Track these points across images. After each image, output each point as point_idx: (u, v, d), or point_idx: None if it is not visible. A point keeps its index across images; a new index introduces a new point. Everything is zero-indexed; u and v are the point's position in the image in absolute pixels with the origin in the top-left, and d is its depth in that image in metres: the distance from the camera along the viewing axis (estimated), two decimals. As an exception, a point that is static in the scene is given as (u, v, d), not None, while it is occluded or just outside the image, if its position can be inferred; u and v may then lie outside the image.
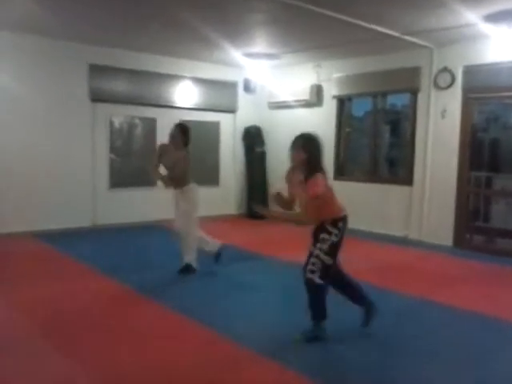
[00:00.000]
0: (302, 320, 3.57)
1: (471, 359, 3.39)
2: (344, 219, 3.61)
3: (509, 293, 4.98)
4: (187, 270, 5.17)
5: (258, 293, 4.68)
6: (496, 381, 3.07)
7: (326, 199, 3.52)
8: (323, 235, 3.47)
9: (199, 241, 5.26)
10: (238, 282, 5.06)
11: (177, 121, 8.49)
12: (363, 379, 3.03)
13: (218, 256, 5.42)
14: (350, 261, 6.06)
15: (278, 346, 3.49)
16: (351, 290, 3.77)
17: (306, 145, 3.52)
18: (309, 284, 3.48)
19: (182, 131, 5.20)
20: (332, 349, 3.50)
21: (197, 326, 3.81)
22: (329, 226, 3.49)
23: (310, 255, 3.49)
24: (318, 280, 3.45)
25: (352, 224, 7.89)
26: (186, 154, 5.26)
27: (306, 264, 3.49)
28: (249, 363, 3.23)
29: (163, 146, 5.42)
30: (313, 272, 3.45)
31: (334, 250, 3.51)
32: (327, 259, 3.47)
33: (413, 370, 3.18)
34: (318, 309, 3.54)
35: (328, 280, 3.54)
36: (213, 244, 5.38)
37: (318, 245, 3.47)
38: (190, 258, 5.18)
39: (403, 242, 7.29)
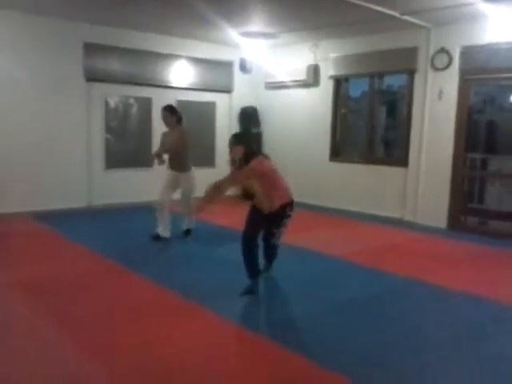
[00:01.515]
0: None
1: (461, 338, 3.45)
2: (290, 202, 4.16)
3: (501, 274, 5.04)
4: (189, 233, 6.01)
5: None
6: (485, 358, 3.12)
7: (275, 182, 4.07)
8: (286, 220, 4.10)
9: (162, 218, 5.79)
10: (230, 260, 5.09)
11: (172, 101, 8.56)
12: (351, 356, 3.07)
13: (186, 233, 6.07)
14: (343, 241, 6.20)
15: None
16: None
17: (240, 140, 4.15)
18: (276, 246, 4.34)
19: (169, 111, 5.72)
20: (318, 325, 3.56)
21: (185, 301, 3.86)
22: (289, 211, 4.11)
23: (274, 234, 4.15)
24: (278, 243, 4.34)
25: (347, 205, 8.15)
26: (183, 131, 5.70)
27: (271, 236, 4.19)
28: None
29: (164, 133, 5.94)
30: (277, 240, 4.26)
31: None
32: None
33: (400, 348, 3.23)
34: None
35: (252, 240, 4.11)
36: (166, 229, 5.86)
37: (282, 229, 4.14)
38: (191, 224, 6.02)
39: (398, 223, 7.33)
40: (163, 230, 5.79)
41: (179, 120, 5.77)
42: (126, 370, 2.85)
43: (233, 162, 4.21)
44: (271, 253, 4.43)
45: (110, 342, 3.20)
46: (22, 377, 2.76)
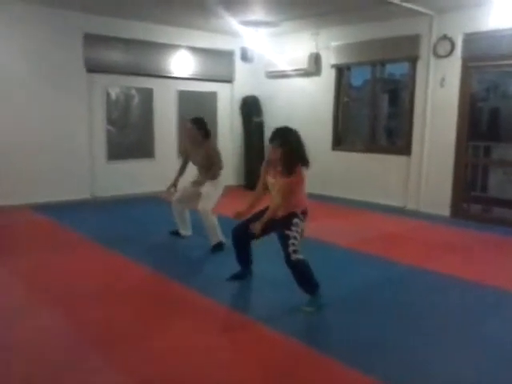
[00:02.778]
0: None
1: (464, 325, 3.46)
2: (307, 211, 3.77)
3: (505, 261, 5.05)
4: (218, 247, 5.05)
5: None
6: (487, 344, 3.13)
7: (300, 190, 3.71)
8: (296, 220, 3.62)
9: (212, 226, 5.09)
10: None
11: (173, 91, 8.58)
12: (358, 344, 3.09)
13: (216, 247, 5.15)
14: (346, 230, 6.20)
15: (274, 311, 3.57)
16: (247, 254, 4.12)
17: (283, 140, 3.59)
18: (297, 264, 3.54)
19: (196, 124, 5.11)
20: (323, 315, 3.59)
21: (195, 294, 3.88)
22: (299, 214, 3.67)
23: (287, 238, 3.55)
24: (301, 256, 3.55)
25: (349, 194, 8.15)
26: (213, 145, 5.21)
27: (287, 248, 3.53)
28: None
29: (186, 145, 5.37)
30: (295, 252, 3.53)
31: (302, 233, 3.69)
32: (300, 238, 3.62)
33: (405, 336, 3.24)
34: (312, 281, 3.63)
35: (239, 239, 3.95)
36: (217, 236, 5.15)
37: (294, 228, 3.59)
38: (217, 238, 5.05)
39: (401, 212, 7.33)
40: (183, 229, 5.51)
41: (207, 135, 5.12)
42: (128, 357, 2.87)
43: (272, 162, 3.72)
44: (300, 277, 3.61)
45: (100, 318, 3.23)
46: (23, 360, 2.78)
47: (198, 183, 5.13)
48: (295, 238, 3.56)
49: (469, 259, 5.08)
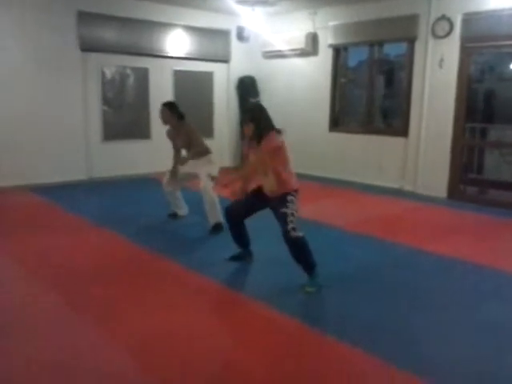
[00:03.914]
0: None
1: (462, 305, 3.49)
2: (298, 191, 3.77)
3: (500, 242, 5.08)
4: (217, 228, 5.07)
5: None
6: (486, 325, 3.17)
7: (283, 161, 3.70)
8: (290, 197, 3.65)
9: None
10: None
11: (169, 71, 8.49)
12: (358, 324, 3.11)
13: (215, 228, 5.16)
14: (343, 212, 6.22)
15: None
16: (243, 234, 4.13)
17: (251, 115, 3.73)
18: (297, 241, 3.57)
19: (168, 107, 5.18)
20: (323, 295, 3.61)
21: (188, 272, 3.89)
22: (292, 192, 3.69)
23: (285, 215, 3.57)
24: (300, 233, 3.58)
25: (347, 176, 8.16)
26: (189, 126, 5.21)
27: (286, 225, 3.56)
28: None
29: (169, 132, 5.38)
30: (294, 229, 3.56)
31: (297, 211, 3.68)
32: (297, 215, 3.65)
33: (404, 316, 3.28)
34: (310, 259, 3.66)
35: (232, 218, 3.97)
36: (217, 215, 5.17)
37: (290, 205, 3.61)
38: (217, 217, 5.06)
39: (398, 193, 7.35)
40: (178, 209, 5.55)
41: (180, 117, 5.20)
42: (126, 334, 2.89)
43: (247, 137, 3.85)
44: (299, 255, 3.64)
45: (98, 296, 3.24)
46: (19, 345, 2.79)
47: (183, 161, 5.19)
48: (293, 214, 3.58)
49: (466, 241, 5.10)
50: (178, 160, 5.33)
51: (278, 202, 3.66)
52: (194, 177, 5.27)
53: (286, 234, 3.55)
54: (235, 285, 3.84)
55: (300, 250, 3.62)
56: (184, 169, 5.28)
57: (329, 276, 3.86)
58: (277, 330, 3.08)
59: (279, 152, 3.66)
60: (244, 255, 4.21)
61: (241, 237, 4.12)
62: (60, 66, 7.33)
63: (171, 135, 5.36)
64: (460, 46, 6.68)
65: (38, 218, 5.72)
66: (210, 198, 5.06)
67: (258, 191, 3.86)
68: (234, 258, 4.21)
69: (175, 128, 5.25)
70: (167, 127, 5.35)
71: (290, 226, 3.54)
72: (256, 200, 3.88)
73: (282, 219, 3.59)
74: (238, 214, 3.96)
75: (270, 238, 4.25)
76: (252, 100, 9.26)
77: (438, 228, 5.55)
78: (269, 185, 3.73)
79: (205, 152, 5.21)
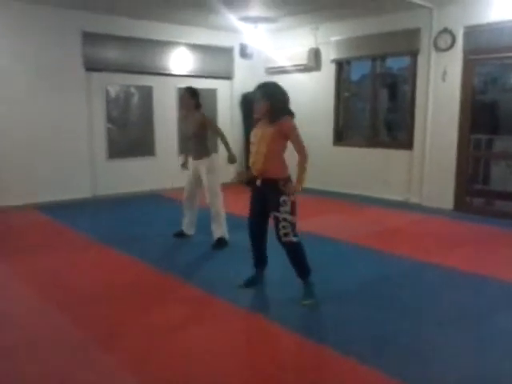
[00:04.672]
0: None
1: (472, 318, 3.43)
2: (289, 178, 3.63)
3: (508, 253, 5.02)
4: (220, 243, 5.07)
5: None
6: (492, 338, 3.11)
7: (285, 148, 3.61)
8: (283, 198, 3.52)
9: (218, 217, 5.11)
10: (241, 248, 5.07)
11: (173, 88, 8.53)
12: (361, 337, 3.06)
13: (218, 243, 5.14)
14: (349, 225, 6.18)
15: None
16: (263, 253, 3.95)
17: (265, 92, 3.55)
18: (289, 246, 3.58)
19: (189, 92, 5.18)
20: (324, 306, 3.58)
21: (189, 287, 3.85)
22: (281, 187, 3.52)
23: (277, 221, 3.54)
24: (294, 238, 3.57)
25: (352, 189, 8.13)
26: (204, 116, 5.20)
27: (278, 231, 3.55)
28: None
29: (182, 118, 5.45)
30: (286, 235, 3.55)
31: (295, 207, 3.61)
32: (293, 218, 3.57)
33: (409, 329, 3.23)
34: (304, 264, 3.65)
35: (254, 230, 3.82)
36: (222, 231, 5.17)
37: (281, 208, 3.52)
38: (222, 231, 5.10)
39: (404, 206, 7.31)
40: (187, 228, 5.42)
41: (198, 105, 5.19)
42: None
43: (259, 119, 3.66)
44: (292, 259, 3.63)
45: (103, 315, 3.21)
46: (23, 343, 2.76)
47: (194, 157, 5.16)
48: (285, 219, 3.53)
49: (473, 253, 5.06)
50: (189, 149, 5.32)
51: (272, 201, 3.57)
52: (198, 181, 5.18)
53: (278, 239, 3.59)
54: (243, 301, 3.80)
55: (293, 254, 3.62)
56: (192, 163, 5.23)
57: (334, 289, 3.82)
58: (280, 344, 3.04)
59: (292, 133, 3.55)
60: (258, 278, 4.00)
61: (262, 254, 3.94)
62: (65, 85, 7.39)
63: (183, 121, 5.41)
64: (463, 58, 6.69)
65: (43, 236, 5.72)
66: (215, 211, 5.06)
67: (254, 186, 3.72)
68: (248, 284, 3.94)
69: (189, 114, 5.21)
70: (181, 115, 5.41)
71: (282, 231, 3.55)
72: (256, 197, 3.75)
73: (275, 223, 3.58)
74: (260, 227, 3.82)
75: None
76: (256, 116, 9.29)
77: (445, 240, 5.51)
78: (257, 163, 3.57)
79: (206, 153, 5.15)
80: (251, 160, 3.64)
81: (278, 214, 3.53)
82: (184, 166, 5.38)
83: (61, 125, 7.40)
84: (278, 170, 3.58)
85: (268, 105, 3.52)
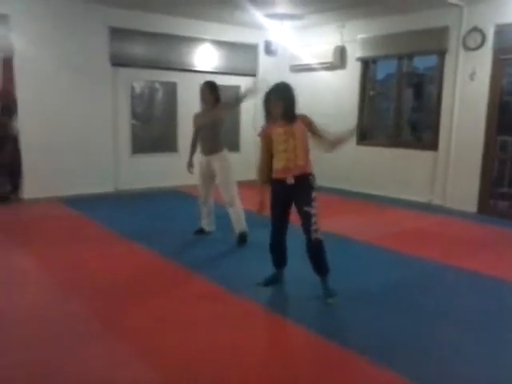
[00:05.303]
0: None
1: (494, 323, 3.37)
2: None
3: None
4: (243, 239, 5.09)
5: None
6: (509, 342, 3.05)
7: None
8: (313, 194, 3.60)
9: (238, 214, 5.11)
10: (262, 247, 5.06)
11: (197, 85, 8.44)
12: (377, 337, 3.03)
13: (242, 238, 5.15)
14: (370, 226, 6.11)
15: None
16: (285, 253, 3.93)
17: (279, 94, 3.65)
18: (319, 244, 3.58)
19: (209, 87, 5.13)
20: (343, 307, 3.55)
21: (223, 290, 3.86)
22: (311, 181, 3.64)
23: (309, 216, 3.54)
24: (321, 236, 3.58)
25: (374, 189, 8.03)
26: (220, 108, 5.15)
27: (309, 226, 3.54)
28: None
29: (197, 114, 5.32)
30: (317, 231, 3.55)
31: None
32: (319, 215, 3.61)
33: (426, 331, 3.18)
34: (326, 262, 3.65)
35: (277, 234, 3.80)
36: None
37: (314, 204, 3.58)
38: (243, 226, 5.11)
39: (427, 207, 7.20)
40: (207, 225, 5.41)
41: (217, 100, 5.12)
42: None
43: (272, 117, 3.70)
44: (317, 257, 3.63)
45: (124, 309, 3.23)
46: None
47: (207, 152, 5.09)
48: (316, 215, 3.56)
49: (497, 257, 4.95)
50: (195, 148, 5.28)
51: (302, 197, 3.58)
52: (212, 176, 5.15)
53: (309, 235, 3.55)
54: (262, 299, 3.78)
55: (320, 251, 3.61)
56: (204, 160, 5.16)
57: (353, 290, 3.79)
58: (296, 342, 3.02)
59: (313, 123, 3.68)
60: (278, 277, 3.98)
61: (283, 254, 3.90)
62: (91, 80, 7.48)
63: (198, 119, 5.25)
64: (492, 57, 6.54)
65: (68, 229, 5.79)
66: (235, 208, 5.07)
67: (279, 187, 3.66)
68: (268, 283, 3.94)
69: (207, 108, 5.16)
70: (194, 113, 5.35)
71: (313, 227, 3.54)
72: (282, 198, 3.69)
73: (306, 218, 3.56)
74: (282, 225, 3.78)
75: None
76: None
77: (468, 243, 5.41)
78: (296, 160, 3.60)
79: (220, 148, 5.09)
80: (284, 158, 3.60)
81: (311, 210, 3.55)
82: (191, 167, 5.28)
83: (86, 119, 7.50)
84: (309, 164, 3.69)
85: (284, 105, 3.61)
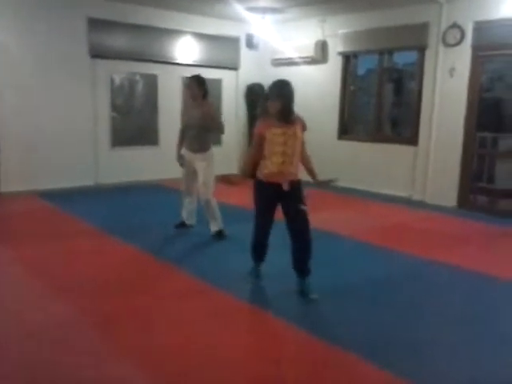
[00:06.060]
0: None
1: (478, 318, 3.42)
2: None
3: (510, 253, 4.99)
4: (221, 237, 5.09)
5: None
6: (494, 337, 3.09)
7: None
8: (304, 192, 3.61)
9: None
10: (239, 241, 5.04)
11: (178, 77, 8.47)
12: (362, 333, 3.05)
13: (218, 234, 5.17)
14: (353, 221, 6.15)
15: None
16: (267, 248, 3.88)
17: (278, 91, 3.52)
18: (310, 239, 3.58)
19: (196, 81, 5.03)
20: (328, 303, 3.56)
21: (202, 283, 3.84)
22: (301, 186, 3.62)
23: (304, 214, 3.55)
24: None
25: (356, 184, 8.07)
26: (212, 107, 5.09)
27: (307, 224, 3.55)
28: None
29: (186, 108, 5.22)
30: (309, 228, 3.58)
31: None
32: None
33: (410, 326, 3.22)
34: (311, 259, 3.64)
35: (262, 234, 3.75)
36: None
37: (306, 201, 3.59)
38: (219, 224, 5.09)
39: (407, 202, 7.27)
40: (187, 218, 5.32)
41: (205, 95, 5.04)
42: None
43: (269, 115, 3.57)
44: (308, 257, 3.59)
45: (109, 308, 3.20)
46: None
47: (193, 150, 5.01)
48: (307, 213, 3.57)
49: (476, 251, 5.04)
50: (183, 144, 5.14)
51: (295, 196, 3.56)
52: (194, 173, 5.08)
53: (303, 233, 3.55)
54: (244, 294, 3.78)
55: (310, 248, 3.57)
56: (188, 155, 5.09)
57: (337, 285, 3.80)
58: (280, 337, 3.03)
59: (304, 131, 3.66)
60: (254, 272, 3.94)
61: (266, 249, 3.86)
62: (69, 72, 7.35)
63: (185, 115, 5.18)
64: (471, 54, 6.62)
65: (45, 224, 5.70)
66: (212, 209, 5.03)
67: (271, 191, 3.58)
68: (258, 275, 3.92)
69: (195, 103, 5.02)
70: (182, 106, 5.21)
71: (307, 224, 3.55)
72: (272, 202, 3.62)
73: (302, 217, 3.55)
74: (269, 224, 3.71)
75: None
76: (260, 108, 9.24)
77: (448, 238, 5.48)
78: (291, 165, 3.53)
79: (207, 147, 5.03)
80: (280, 161, 3.49)
81: (304, 207, 3.55)
82: (182, 161, 5.17)
83: (65, 111, 7.37)
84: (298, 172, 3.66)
85: (281, 104, 3.47)
